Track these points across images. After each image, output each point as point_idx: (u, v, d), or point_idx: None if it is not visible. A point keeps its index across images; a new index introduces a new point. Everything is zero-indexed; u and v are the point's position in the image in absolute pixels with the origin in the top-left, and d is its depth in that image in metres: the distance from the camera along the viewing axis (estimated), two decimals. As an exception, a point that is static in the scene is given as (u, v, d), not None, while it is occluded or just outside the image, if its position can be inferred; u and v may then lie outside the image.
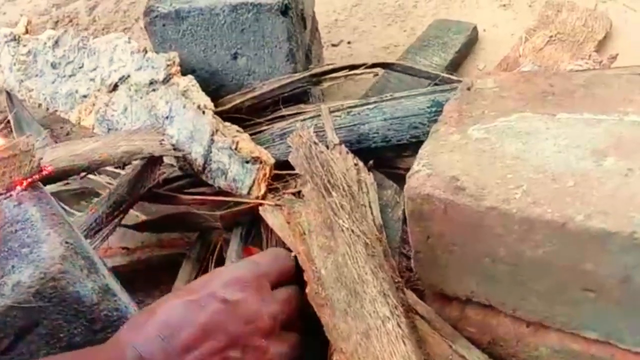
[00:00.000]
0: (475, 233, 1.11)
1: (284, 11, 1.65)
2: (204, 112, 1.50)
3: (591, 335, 1.11)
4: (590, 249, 1.00)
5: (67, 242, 1.09)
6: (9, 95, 2.26)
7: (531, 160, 1.10)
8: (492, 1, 2.60)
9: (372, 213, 1.42)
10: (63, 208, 1.84)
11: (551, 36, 2.16)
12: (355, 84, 2.01)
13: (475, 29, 2.36)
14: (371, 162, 1.51)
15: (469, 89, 1.29)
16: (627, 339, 1.07)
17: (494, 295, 1.18)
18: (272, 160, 1.42)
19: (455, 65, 2.24)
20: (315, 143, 1.32)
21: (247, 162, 1.40)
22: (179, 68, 1.69)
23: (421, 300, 1.30)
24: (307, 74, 1.72)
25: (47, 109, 2.06)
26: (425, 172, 1.14)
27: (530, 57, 2.05)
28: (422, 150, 1.19)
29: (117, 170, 1.65)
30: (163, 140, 1.42)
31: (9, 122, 2.35)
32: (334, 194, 1.22)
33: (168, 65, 1.68)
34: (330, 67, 1.76)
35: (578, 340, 1.14)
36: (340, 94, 2.11)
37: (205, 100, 1.56)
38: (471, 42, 2.33)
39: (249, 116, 1.74)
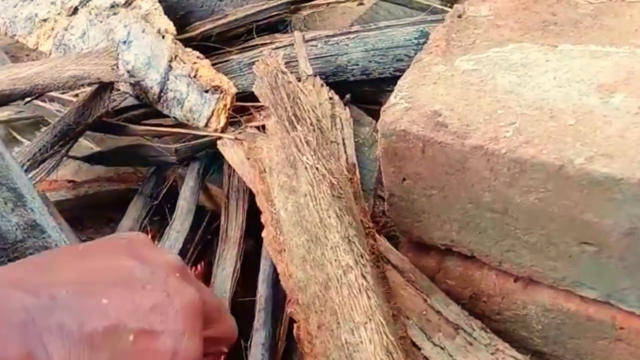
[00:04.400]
0: (458, 175, 0.97)
1: None
2: (163, 37, 1.34)
3: (589, 294, 0.97)
4: (591, 196, 0.86)
5: (-11, 171, 0.96)
6: (-29, 17, 2.10)
7: (526, 95, 0.95)
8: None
9: (345, 151, 1.28)
10: (15, 138, 1.72)
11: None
12: (342, 16, 1.83)
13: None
14: (348, 96, 1.36)
15: (460, 16, 1.13)
16: (630, 299, 0.93)
17: (478, 245, 1.04)
18: (234, 90, 1.26)
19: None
20: (282, 72, 1.16)
21: (207, 91, 1.25)
22: (142, -10, 1.52)
23: (396, 248, 1.17)
24: (284, 0, 1.55)
25: (6, 33, 1.90)
26: (402, 106, 0.99)
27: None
28: (402, 82, 1.04)
29: (70, 98, 1.49)
30: (115, 65, 1.26)
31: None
32: (299, 128, 1.07)
33: (131, -12, 1.51)
34: (311, -7, 1.58)
35: (574, 299, 1.00)
36: (324, 26, 1.92)
37: (167, 25, 1.39)
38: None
39: (218, 45, 1.57)
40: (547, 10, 1.10)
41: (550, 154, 0.87)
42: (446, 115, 0.95)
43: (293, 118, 1.10)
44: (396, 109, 0.99)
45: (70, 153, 1.41)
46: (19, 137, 1.69)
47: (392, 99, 1.01)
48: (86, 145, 1.53)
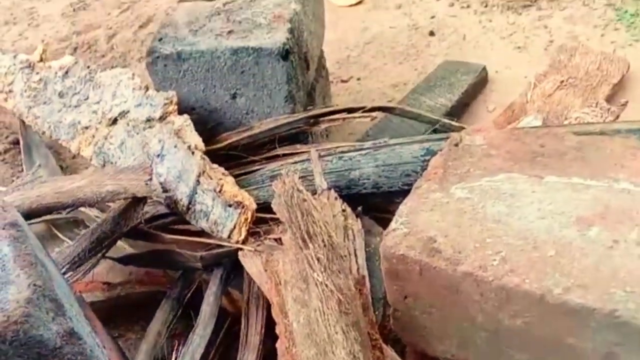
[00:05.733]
0: (452, 297, 1.06)
1: (285, 56, 1.64)
2: (193, 153, 1.49)
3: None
4: (570, 323, 0.95)
5: (35, 285, 1.08)
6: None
7: (513, 225, 1.06)
8: (506, 43, 2.55)
9: (356, 262, 1.38)
10: (56, 235, 1.86)
11: (562, 81, 2.10)
12: (358, 124, 1.98)
13: (484, 70, 2.31)
14: (360, 208, 1.48)
15: (456, 144, 1.26)
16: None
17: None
18: (254, 206, 1.39)
19: (463, 106, 2.20)
20: (298, 190, 1.29)
21: (230, 205, 1.38)
22: (176, 107, 1.68)
23: (403, 353, 1.25)
24: (304, 115, 1.70)
25: (50, 137, 2.08)
26: (402, 231, 1.10)
27: (538, 102, 2.00)
28: (402, 207, 1.16)
29: (107, 203, 1.64)
30: (149, 180, 1.41)
31: (19, 143, 2.39)
32: (311, 245, 1.19)
33: (166, 104, 1.68)
34: (329, 109, 1.74)
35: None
36: (344, 130, 2.08)
37: (197, 141, 1.55)
38: (480, 83, 2.29)
39: (244, 154, 1.72)
40: (536, 142, 1.22)
41: (532, 283, 0.96)
42: (440, 242, 1.06)
43: (306, 236, 1.22)
44: (396, 234, 1.11)
45: (105, 253, 1.55)
46: (59, 234, 1.83)
47: (393, 224, 1.13)
48: (120, 245, 1.67)
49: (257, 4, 1.84)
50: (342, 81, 2.52)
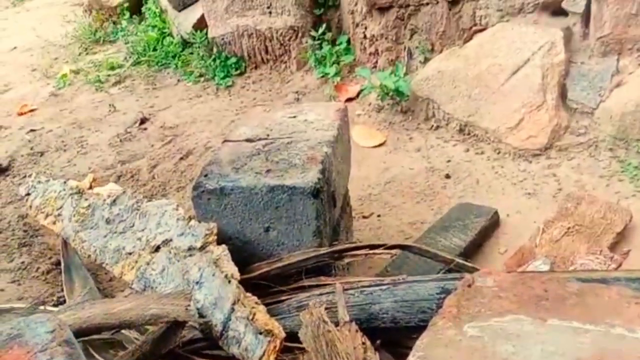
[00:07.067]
0: None
1: (315, 194, 1.83)
2: (229, 282, 1.64)
3: None
4: None
5: (85, 400, 1.21)
6: (65, 241, 2.49)
7: (518, 364, 1.18)
8: (517, 189, 2.75)
9: (374, 395, 1.48)
10: (92, 355, 1.97)
11: (569, 228, 2.27)
12: (377, 260, 2.13)
13: (496, 213, 2.49)
14: (378, 342, 1.59)
15: (469, 285, 1.40)
16: None
17: None
18: (283, 335, 1.52)
19: (475, 247, 2.35)
20: (324, 322, 1.42)
21: (260, 333, 1.51)
22: (215, 237, 1.85)
23: None
24: (329, 250, 1.86)
25: (95, 260, 2.25)
26: (419, 365, 1.23)
27: (546, 247, 2.15)
28: (419, 342, 1.28)
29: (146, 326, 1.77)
30: (189, 306, 1.56)
31: (60, 264, 2.56)
32: (334, 375, 1.31)
33: (207, 235, 1.85)
34: (353, 245, 1.90)
35: None
36: (365, 263, 2.23)
37: (233, 270, 1.70)
38: (492, 226, 2.46)
39: (273, 283, 1.86)
40: (541, 287, 1.36)
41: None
42: (453, 377, 1.18)
43: (330, 365, 1.34)
44: (414, 367, 1.23)
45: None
46: (95, 354, 1.94)
47: (411, 357, 1.25)
48: (152, 366, 1.77)
49: (293, 146, 2.06)
50: (364, 217, 2.71)
